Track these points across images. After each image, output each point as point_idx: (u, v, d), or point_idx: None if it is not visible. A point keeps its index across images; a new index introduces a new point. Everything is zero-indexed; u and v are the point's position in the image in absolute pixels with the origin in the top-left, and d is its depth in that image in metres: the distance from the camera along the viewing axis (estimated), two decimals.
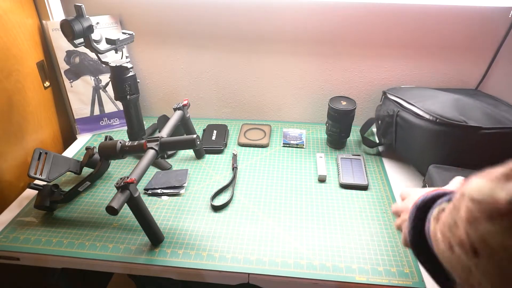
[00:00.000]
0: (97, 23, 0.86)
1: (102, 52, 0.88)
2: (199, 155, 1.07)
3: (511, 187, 0.27)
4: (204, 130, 1.19)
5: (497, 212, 0.27)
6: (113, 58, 0.95)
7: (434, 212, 0.40)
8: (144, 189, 0.93)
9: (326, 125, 1.11)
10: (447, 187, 0.50)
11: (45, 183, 0.89)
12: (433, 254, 0.40)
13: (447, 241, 0.34)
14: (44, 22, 1.09)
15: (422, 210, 0.44)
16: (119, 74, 0.92)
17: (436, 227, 0.37)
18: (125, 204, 0.69)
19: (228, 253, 0.75)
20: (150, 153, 0.79)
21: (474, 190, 0.30)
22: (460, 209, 0.32)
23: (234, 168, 1.00)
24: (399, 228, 0.55)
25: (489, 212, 0.28)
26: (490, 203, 0.28)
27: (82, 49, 0.92)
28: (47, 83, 1.13)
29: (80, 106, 1.17)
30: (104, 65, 0.94)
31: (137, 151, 0.83)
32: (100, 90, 1.18)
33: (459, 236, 0.31)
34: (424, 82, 1.14)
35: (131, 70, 0.94)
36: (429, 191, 0.47)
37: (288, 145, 1.12)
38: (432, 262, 0.42)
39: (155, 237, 0.77)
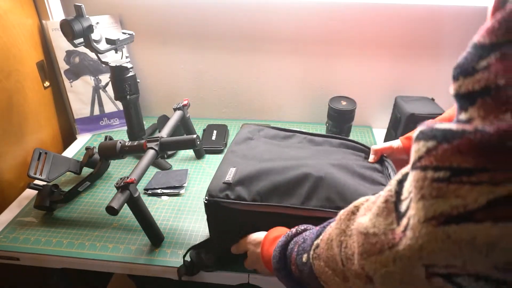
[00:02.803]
0: (97, 23, 0.86)
1: (102, 52, 0.88)
2: (199, 155, 1.07)
3: (404, 221, 0.29)
4: (204, 130, 1.18)
5: (388, 244, 0.30)
6: (113, 58, 0.95)
7: (308, 251, 0.45)
8: (144, 189, 0.93)
9: (326, 125, 1.11)
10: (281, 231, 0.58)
11: (45, 183, 0.88)
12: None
13: (341, 274, 0.37)
14: (44, 22, 1.09)
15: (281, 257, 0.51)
16: (119, 74, 0.92)
17: (321, 264, 0.41)
18: (125, 204, 0.69)
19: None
20: (150, 153, 0.79)
21: (367, 226, 0.32)
22: (347, 244, 0.36)
23: None
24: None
25: (381, 245, 0.30)
26: (384, 237, 0.30)
27: (82, 49, 0.92)
28: (47, 83, 1.12)
29: (80, 106, 1.17)
30: (104, 65, 0.94)
31: (137, 151, 0.83)
32: (100, 90, 1.18)
33: (355, 270, 0.34)
34: (422, 81, 1.14)
35: (131, 70, 0.94)
36: (272, 242, 0.56)
37: None
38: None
39: (155, 237, 0.77)
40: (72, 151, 1.11)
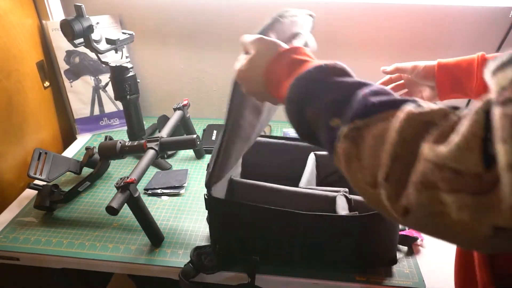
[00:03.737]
0: (97, 23, 0.86)
1: (102, 52, 0.88)
2: (199, 155, 1.07)
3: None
4: (204, 130, 1.18)
5: (469, 188, 0.23)
6: (113, 58, 0.95)
7: (346, 121, 0.32)
8: (144, 189, 0.93)
9: None
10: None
11: (45, 183, 0.88)
12: (314, 137, 0.38)
13: (372, 179, 0.30)
14: (44, 22, 1.09)
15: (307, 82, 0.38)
16: (119, 74, 0.92)
17: (351, 151, 0.31)
18: (125, 204, 0.69)
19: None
20: (150, 153, 0.79)
21: (446, 157, 0.24)
22: (405, 162, 0.27)
23: None
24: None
25: (459, 186, 0.23)
26: (469, 178, 0.23)
27: (82, 49, 0.92)
28: (47, 83, 1.12)
29: (80, 106, 1.17)
30: (104, 65, 0.94)
31: (137, 151, 0.83)
32: (100, 90, 1.18)
33: (397, 193, 0.27)
34: None
35: (131, 70, 0.94)
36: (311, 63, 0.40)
37: None
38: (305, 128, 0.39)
39: (155, 237, 0.77)
40: (72, 151, 1.11)
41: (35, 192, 0.87)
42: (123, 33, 0.91)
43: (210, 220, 0.71)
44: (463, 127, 0.24)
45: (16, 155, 1.00)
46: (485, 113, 0.23)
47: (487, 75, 0.24)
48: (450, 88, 0.68)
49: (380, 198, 0.29)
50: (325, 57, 0.44)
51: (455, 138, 0.24)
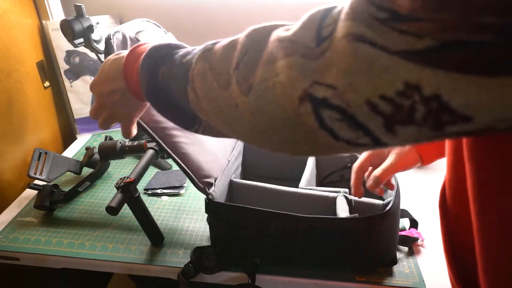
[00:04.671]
0: (97, 23, 0.86)
1: (102, 52, 0.88)
2: None
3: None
4: None
5: (301, 52, 0.28)
6: None
7: (196, 53, 0.39)
8: (144, 189, 0.93)
9: None
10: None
11: (45, 183, 0.88)
12: (169, 99, 0.42)
13: (225, 80, 0.34)
14: (44, 22, 1.09)
15: (153, 59, 0.43)
16: None
17: (205, 66, 0.36)
18: (125, 204, 0.69)
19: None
20: (150, 153, 0.79)
21: (286, 34, 0.30)
22: (252, 52, 0.32)
23: None
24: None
25: (293, 50, 0.28)
26: (301, 46, 0.28)
27: (82, 49, 0.92)
28: (47, 83, 1.12)
29: (80, 106, 1.17)
30: None
31: (137, 151, 0.83)
32: None
33: (244, 76, 0.32)
34: None
35: None
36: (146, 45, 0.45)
37: None
38: (171, 107, 0.43)
39: (155, 237, 0.77)
40: (72, 151, 1.11)
41: (35, 192, 0.87)
42: None
43: (210, 222, 0.71)
44: (302, 19, 0.30)
45: (16, 155, 1.00)
46: (325, 10, 0.29)
47: None
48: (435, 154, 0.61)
49: (232, 95, 0.33)
50: None
51: (296, 24, 0.30)
